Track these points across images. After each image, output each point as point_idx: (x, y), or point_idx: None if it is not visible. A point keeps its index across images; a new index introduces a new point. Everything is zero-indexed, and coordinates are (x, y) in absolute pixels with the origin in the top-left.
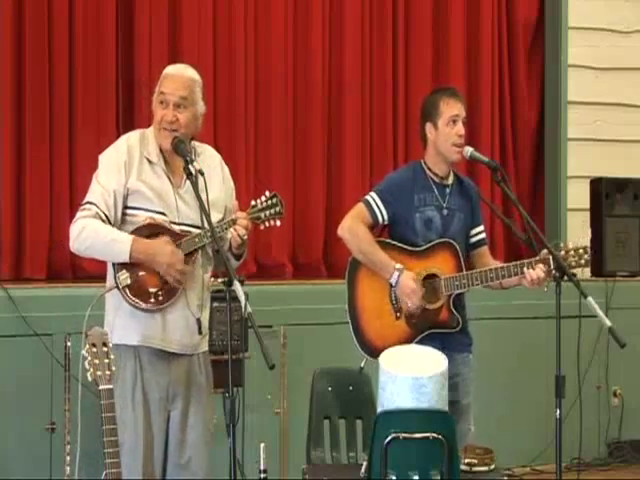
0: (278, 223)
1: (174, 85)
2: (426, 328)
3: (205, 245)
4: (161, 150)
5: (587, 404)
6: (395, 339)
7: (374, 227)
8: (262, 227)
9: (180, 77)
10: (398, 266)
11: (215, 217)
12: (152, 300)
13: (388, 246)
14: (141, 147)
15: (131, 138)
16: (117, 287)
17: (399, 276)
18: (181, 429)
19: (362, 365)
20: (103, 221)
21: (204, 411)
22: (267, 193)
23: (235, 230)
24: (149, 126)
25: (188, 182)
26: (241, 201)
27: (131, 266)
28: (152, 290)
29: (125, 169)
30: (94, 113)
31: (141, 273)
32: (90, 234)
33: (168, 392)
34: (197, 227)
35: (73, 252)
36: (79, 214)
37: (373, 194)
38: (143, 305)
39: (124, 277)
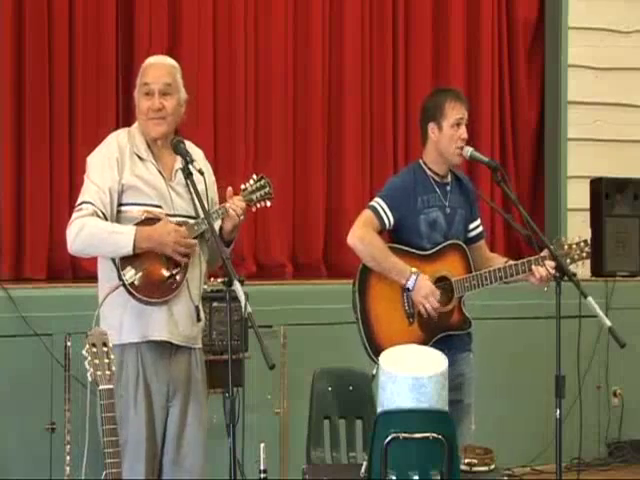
0: (268, 204)
1: (157, 73)
2: (439, 332)
3: (204, 233)
4: (148, 145)
5: (587, 404)
6: (408, 344)
7: (381, 233)
8: (254, 209)
9: (162, 65)
10: (414, 270)
11: (204, 205)
12: (160, 293)
13: (396, 251)
14: (130, 144)
15: (119, 136)
16: (123, 285)
17: (416, 279)
18: (179, 426)
19: (374, 372)
20: (101, 219)
21: (201, 409)
22: (254, 176)
23: (233, 210)
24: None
25: (179, 175)
26: None
27: (135, 262)
28: (158, 283)
29: (118, 166)
30: (94, 113)
31: (146, 268)
32: (91, 231)
33: (169, 389)
34: (192, 217)
35: (72, 254)
36: (75, 214)
37: (379, 200)
38: (152, 299)
39: (130, 274)
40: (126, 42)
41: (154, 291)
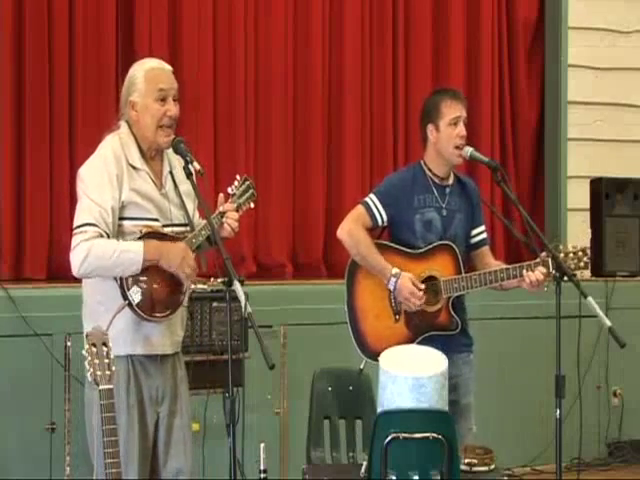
0: (252, 205)
1: (169, 79)
2: (425, 330)
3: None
4: (141, 152)
5: (587, 404)
6: (394, 341)
7: (373, 229)
8: (240, 212)
9: (169, 70)
10: (394, 271)
11: (190, 206)
12: (163, 309)
13: (387, 248)
14: (125, 154)
15: (113, 146)
16: (130, 304)
17: (396, 281)
18: (168, 427)
19: (361, 367)
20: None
21: (186, 406)
22: (238, 177)
23: (229, 225)
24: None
25: (169, 180)
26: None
27: (139, 280)
28: (162, 300)
29: (118, 182)
30: (94, 113)
31: (150, 286)
32: (97, 254)
33: (158, 393)
34: (183, 225)
35: (77, 277)
36: (79, 237)
37: (372, 196)
38: (156, 318)
39: (137, 294)
40: (126, 42)
41: (158, 308)
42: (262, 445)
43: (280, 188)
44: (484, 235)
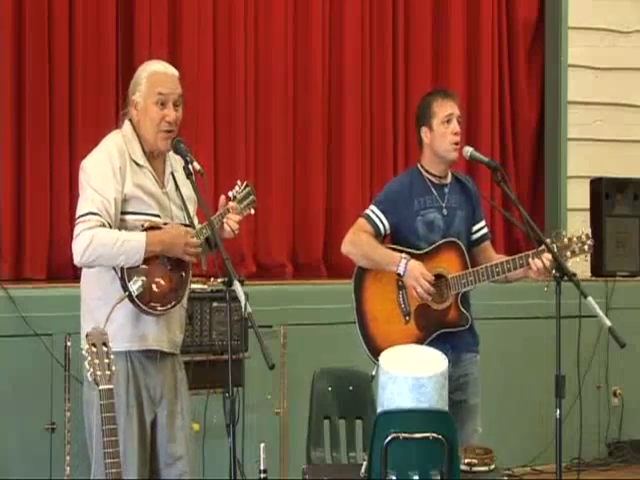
0: (252, 212)
1: (171, 84)
2: (436, 329)
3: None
4: (144, 151)
5: (587, 404)
6: (405, 343)
7: (378, 238)
8: (240, 217)
9: (173, 75)
10: (404, 255)
11: (191, 209)
12: (163, 303)
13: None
14: (129, 150)
15: (117, 141)
16: (130, 296)
17: (407, 263)
18: (169, 429)
19: (373, 373)
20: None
21: (186, 407)
22: (239, 182)
23: (229, 226)
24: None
25: (171, 180)
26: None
27: (140, 273)
28: (163, 294)
29: (121, 175)
30: (94, 113)
31: (151, 278)
32: (100, 242)
33: (156, 393)
34: (185, 225)
35: (79, 266)
36: (82, 226)
37: (372, 207)
38: (156, 311)
39: (137, 286)
40: (126, 42)
41: (158, 302)
42: (262, 445)
43: (280, 188)
44: (485, 230)
